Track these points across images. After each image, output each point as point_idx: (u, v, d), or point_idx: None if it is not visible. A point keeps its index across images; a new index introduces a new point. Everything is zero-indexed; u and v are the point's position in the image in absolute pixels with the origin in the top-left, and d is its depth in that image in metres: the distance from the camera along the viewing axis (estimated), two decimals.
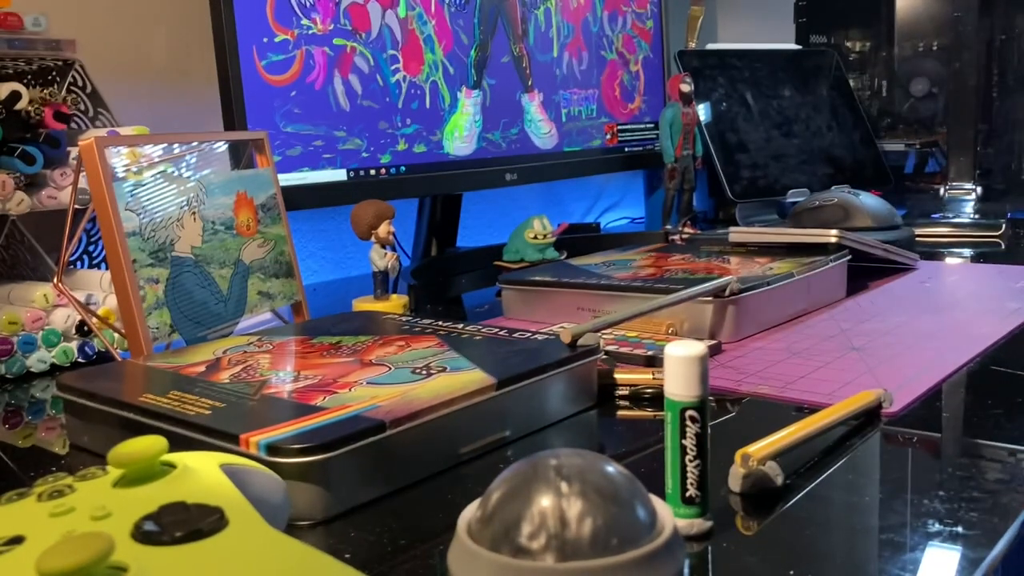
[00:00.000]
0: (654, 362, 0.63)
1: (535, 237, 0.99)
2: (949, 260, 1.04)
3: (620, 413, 0.56)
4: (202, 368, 0.55)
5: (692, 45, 1.49)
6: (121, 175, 0.66)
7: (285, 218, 0.78)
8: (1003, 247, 1.12)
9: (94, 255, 0.87)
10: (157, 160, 0.70)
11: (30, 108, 0.75)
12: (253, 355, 0.58)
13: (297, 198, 0.89)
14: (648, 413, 0.55)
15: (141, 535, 0.27)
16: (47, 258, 0.76)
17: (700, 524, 0.38)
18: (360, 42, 0.96)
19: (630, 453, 0.49)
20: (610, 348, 0.66)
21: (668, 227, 1.16)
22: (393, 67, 0.99)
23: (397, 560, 0.37)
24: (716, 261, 0.85)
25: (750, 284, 0.71)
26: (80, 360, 0.75)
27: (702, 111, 1.32)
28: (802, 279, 0.77)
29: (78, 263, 0.86)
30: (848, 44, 1.62)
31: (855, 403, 0.50)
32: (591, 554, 0.27)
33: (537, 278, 0.80)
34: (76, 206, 0.71)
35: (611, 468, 0.30)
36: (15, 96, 0.74)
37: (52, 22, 0.79)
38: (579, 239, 1.21)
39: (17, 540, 0.27)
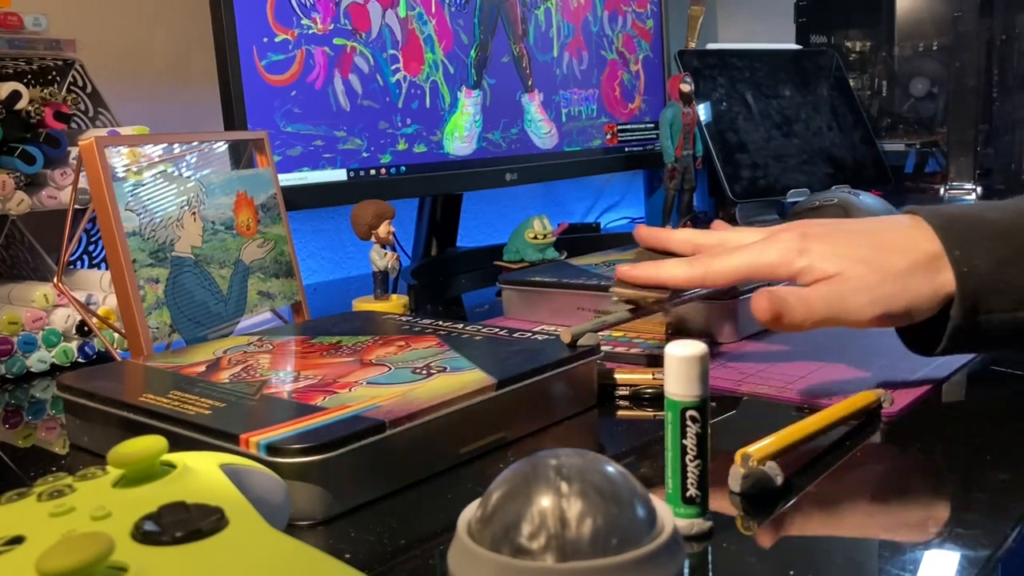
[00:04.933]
0: (654, 362, 0.63)
1: (535, 237, 0.99)
2: None
3: (620, 413, 0.56)
4: (202, 368, 0.55)
5: (692, 45, 1.49)
6: (121, 175, 0.66)
7: (285, 218, 0.78)
8: None
9: (94, 255, 0.87)
10: (157, 160, 0.70)
11: (30, 108, 0.75)
12: (253, 355, 0.58)
13: (297, 198, 0.89)
14: (648, 413, 0.55)
15: (141, 535, 0.27)
16: (47, 258, 0.76)
17: (700, 524, 0.38)
18: (360, 42, 0.96)
19: (630, 453, 0.49)
20: (607, 348, 0.66)
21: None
22: (393, 67, 0.99)
23: (397, 560, 0.37)
24: None
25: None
26: (80, 360, 0.75)
27: (702, 111, 1.32)
28: None
29: (78, 263, 0.86)
30: (848, 44, 1.62)
31: (855, 403, 0.50)
32: (591, 554, 0.27)
33: (537, 278, 0.80)
34: (76, 206, 0.71)
35: (611, 468, 0.30)
36: (15, 96, 0.74)
37: (52, 22, 0.79)
38: (579, 239, 1.21)
39: (17, 540, 0.27)
